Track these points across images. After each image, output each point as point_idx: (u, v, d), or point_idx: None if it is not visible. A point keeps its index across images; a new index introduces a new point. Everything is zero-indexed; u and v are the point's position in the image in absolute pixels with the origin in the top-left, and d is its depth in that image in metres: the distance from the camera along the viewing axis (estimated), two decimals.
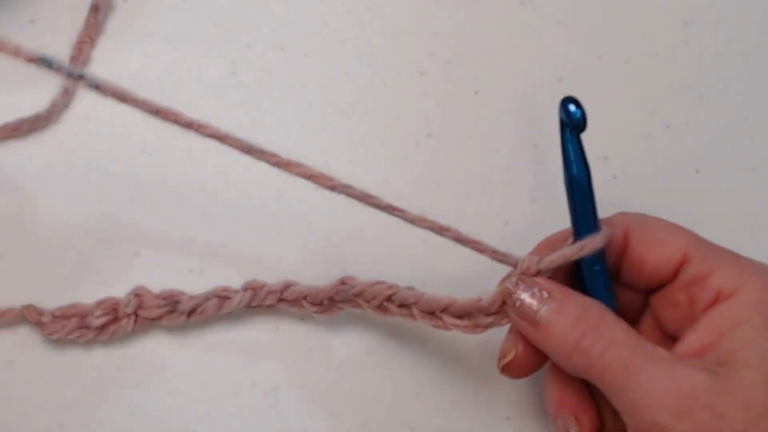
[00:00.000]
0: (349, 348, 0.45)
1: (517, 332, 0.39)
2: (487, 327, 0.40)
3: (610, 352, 0.36)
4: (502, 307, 0.39)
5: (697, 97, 0.49)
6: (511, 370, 0.40)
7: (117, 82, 0.47)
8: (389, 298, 0.42)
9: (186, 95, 0.48)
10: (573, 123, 0.39)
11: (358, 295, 0.42)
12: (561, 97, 0.49)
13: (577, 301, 0.38)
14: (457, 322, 0.40)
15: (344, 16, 0.50)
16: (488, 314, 0.40)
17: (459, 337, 0.46)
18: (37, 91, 0.48)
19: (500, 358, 0.40)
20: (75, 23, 0.49)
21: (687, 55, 0.50)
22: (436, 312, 0.41)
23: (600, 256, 0.40)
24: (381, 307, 0.42)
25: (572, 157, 0.39)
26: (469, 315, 0.40)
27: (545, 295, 0.38)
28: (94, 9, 0.48)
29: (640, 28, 0.50)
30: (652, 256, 0.39)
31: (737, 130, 0.49)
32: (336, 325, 0.45)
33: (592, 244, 0.39)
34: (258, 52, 0.49)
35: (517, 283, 0.38)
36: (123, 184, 0.47)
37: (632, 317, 0.41)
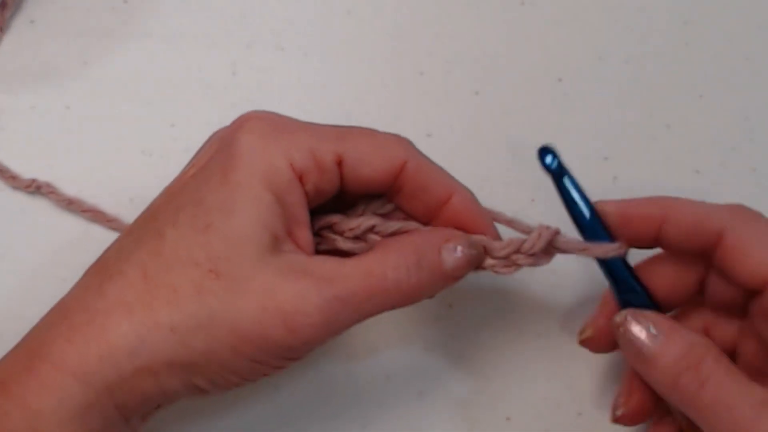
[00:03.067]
0: (349, 349, 0.45)
1: (597, 310, 0.41)
2: (524, 265, 0.40)
3: (706, 391, 0.37)
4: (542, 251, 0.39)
5: (697, 97, 0.49)
6: (587, 344, 0.42)
7: (117, 82, 0.47)
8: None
9: (186, 95, 0.48)
10: (551, 172, 0.39)
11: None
12: (561, 97, 0.49)
13: (682, 337, 0.38)
14: (492, 262, 0.40)
15: (344, 16, 0.50)
16: (529, 255, 0.39)
17: (459, 337, 0.46)
18: (36, 91, 0.48)
19: (580, 332, 0.42)
20: (75, 23, 0.49)
21: (687, 55, 0.50)
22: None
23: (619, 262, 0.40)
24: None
25: (572, 198, 0.40)
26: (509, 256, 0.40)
27: (653, 330, 0.38)
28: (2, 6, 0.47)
29: (640, 28, 0.50)
30: (744, 265, 0.38)
31: (737, 130, 0.49)
32: None
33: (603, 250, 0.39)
34: (258, 52, 0.49)
35: (627, 317, 0.39)
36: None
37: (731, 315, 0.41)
